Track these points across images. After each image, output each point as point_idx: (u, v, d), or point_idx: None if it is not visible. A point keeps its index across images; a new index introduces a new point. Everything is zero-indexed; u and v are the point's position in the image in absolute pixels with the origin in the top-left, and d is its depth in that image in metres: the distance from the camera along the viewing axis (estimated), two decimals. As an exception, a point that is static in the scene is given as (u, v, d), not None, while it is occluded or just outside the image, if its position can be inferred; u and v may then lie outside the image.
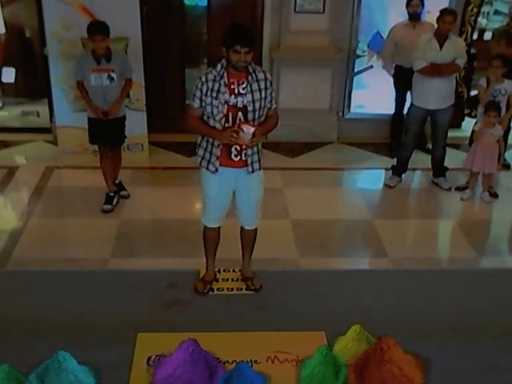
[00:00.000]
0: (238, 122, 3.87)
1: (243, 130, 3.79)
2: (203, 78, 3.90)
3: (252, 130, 3.80)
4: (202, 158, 4.08)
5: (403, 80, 6.77)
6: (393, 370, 3.42)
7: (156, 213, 5.77)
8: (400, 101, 7.05)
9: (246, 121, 3.88)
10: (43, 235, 5.24)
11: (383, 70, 7.15)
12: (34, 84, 8.04)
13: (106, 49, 5.30)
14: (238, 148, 3.95)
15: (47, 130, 7.26)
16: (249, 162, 4.02)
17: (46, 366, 3.44)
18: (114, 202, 5.68)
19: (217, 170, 4.03)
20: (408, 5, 6.60)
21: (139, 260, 4.88)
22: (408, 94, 6.89)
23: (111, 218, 5.53)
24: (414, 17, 6.63)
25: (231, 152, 3.98)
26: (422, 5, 6.63)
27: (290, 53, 7.03)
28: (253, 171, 4.05)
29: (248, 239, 4.40)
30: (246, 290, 4.47)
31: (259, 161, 4.07)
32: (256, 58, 6.88)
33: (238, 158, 4.00)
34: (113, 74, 5.33)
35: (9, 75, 8.18)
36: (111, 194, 5.67)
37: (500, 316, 4.25)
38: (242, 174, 4.06)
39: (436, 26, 5.89)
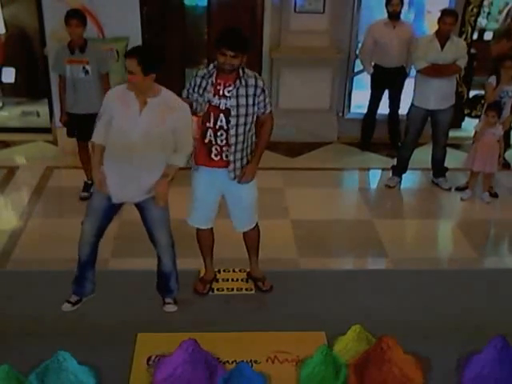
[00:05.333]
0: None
1: None
2: (194, 73, 3.98)
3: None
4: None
5: (382, 80, 6.76)
6: (393, 370, 3.42)
7: (156, 213, 5.75)
8: (374, 101, 7.04)
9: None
10: (43, 235, 5.24)
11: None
12: (33, 84, 8.04)
13: (81, 39, 5.36)
14: (218, 148, 3.93)
15: (47, 130, 7.26)
16: (231, 168, 3.96)
17: (45, 366, 3.43)
18: (92, 190, 5.76)
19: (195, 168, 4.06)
20: (388, 3, 6.60)
21: (139, 260, 4.87)
22: (385, 94, 6.92)
23: (111, 218, 5.53)
24: (394, 16, 6.63)
25: (211, 151, 3.96)
26: (402, 4, 6.63)
27: (290, 53, 7.03)
28: (234, 178, 4.00)
29: (251, 240, 4.38)
30: (248, 290, 4.46)
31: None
32: (256, 58, 6.95)
33: (218, 157, 3.96)
34: (87, 67, 5.35)
35: (9, 75, 8.17)
36: (89, 182, 5.82)
37: (500, 316, 4.25)
38: (229, 179, 4.01)
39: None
